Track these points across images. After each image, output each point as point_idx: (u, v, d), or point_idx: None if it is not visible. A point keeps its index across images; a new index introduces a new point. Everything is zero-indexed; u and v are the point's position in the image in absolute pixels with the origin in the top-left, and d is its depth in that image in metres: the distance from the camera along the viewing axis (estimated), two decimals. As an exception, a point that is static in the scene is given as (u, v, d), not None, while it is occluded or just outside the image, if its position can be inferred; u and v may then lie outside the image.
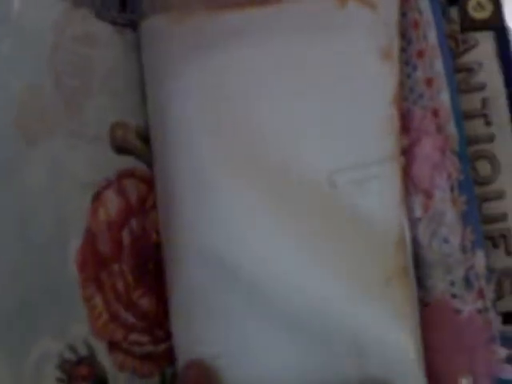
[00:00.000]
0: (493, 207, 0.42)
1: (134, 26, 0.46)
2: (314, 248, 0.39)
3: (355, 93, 0.40)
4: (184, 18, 0.43)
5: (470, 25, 0.43)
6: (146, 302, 0.45)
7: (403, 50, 0.41)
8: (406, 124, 0.40)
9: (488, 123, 0.43)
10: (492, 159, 0.42)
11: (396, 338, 0.37)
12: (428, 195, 0.40)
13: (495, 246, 0.42)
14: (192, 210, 0.42)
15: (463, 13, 0.43)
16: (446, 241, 0.40)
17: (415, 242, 0.40)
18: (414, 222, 0.40)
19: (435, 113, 0.40)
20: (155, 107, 0.44)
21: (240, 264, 0.40)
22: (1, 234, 0.37)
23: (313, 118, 0.41)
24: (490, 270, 0.41)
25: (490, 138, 0.42)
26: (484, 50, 0.43)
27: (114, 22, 0.46)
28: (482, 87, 0.43)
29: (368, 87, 0.40)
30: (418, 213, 0.40)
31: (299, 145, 0.40)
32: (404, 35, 0.41)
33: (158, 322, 0.45)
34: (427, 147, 0.40)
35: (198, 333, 0.42)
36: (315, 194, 0.40)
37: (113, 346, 0.43)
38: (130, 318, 0.44)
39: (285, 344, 0.40)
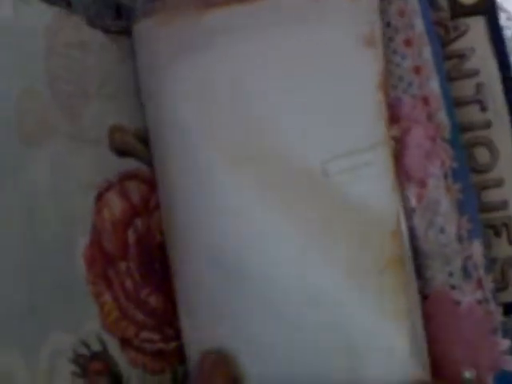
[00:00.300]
0: (492, 195, 0.41)
1: (128, 32, 0.47)
2: (311, 237, 0.39)
3: (341, 81, 0.40)
4: (173, 19, 0.44)
5: (460, 11, 0.42)
6: (154, 301, 0.45)
7: (391, 39, 0.41)
8: (396, 113, 0.40)
9: (484, 109, 0.41)
10: (490, 146, 0.41)
11: (388, 327, 0.36)
12: (421, 184, 0.39)
13: (497, 234, 0.40)
14: (191, 210, 0.42)
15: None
16: (442, 231, 0.38)
17: (411, 233, 0.39)
18: (409, 213, 0.39)
19: (425, 101, 0.39)
20: (150, 108, 0.44)
21: (241, 257, 0.40)
22: (9, 233, 0.38)
23: (302, 108, 0.40)
24: (491, 259, 0.40)
25: (487, 124, 0.41)
26: (475, 35, 0.42)
27: (106, 30, 0.46)
28: (475, 73, 0.42)
29: (353, 75, 0.40)
30: (413, 203, 0.39)
31: (291, 135, 0.40)
32: (390, 24, 0.41)
33: (168, 320, 0.45)
34: (418, 136, 0.39)
35: (206, 330, 0.42)
36: (310, 183, 0.39)
37: (125, 342, 0.43)
38: (139, 316, 0.44)
39: (287, 339, 0.39)
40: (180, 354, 0.45)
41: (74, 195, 0.42)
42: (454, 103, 0.41)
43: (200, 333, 0.42)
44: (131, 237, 0.45)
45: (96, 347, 0.41)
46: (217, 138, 0.41)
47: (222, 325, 0.41)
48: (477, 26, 0.42)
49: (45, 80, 0.41)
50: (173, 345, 0.45)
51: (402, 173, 0.39)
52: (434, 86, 0.40)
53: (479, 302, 0.38)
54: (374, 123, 0.38)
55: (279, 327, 0.39)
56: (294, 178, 0.39)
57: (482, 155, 0.41)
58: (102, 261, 0.42)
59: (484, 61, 0.42)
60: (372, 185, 0.38)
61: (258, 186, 0.40)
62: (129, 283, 0.44)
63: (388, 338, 0.36)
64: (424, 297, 0.38)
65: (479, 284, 0.38)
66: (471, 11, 0.42)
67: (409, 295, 0.37)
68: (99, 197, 0.43)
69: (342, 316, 0.37)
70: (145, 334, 0.44)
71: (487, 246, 0.40)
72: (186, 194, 0.42)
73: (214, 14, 0.42)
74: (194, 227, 0.42)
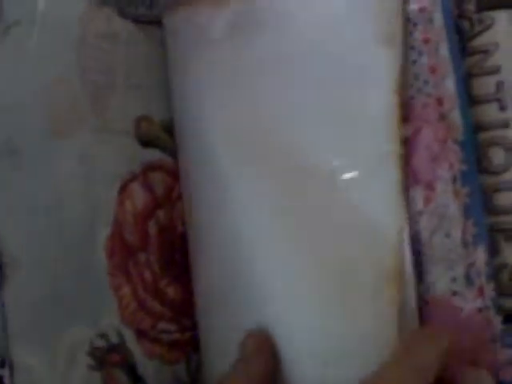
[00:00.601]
0: (504, 198, 0.39)
1: (159, 23, 0.47)
2: (313, 242, 0.39)
3: (356, 82, 0.39)
4: (199, 10, 0.44)
5: (486, 3, 0.40)
6: (172, 292, 0.46)
7: (409, 33, 0.40)
8: (408, 112, 0.39)
9: (502, 108, 0.40)
10: (506, 146, 0.40)
11: (381, 339, 0.37)
12: (430, 187, 0.38)
13: (508, 239, 0.39)
14: (205, 205, 0.43)
15: (478, -10, 0.41)
16: (447, 235, 0.38)
17: (416, 238, 0.38)
18: (414, 216, 0.38)
19: (439, 101, 0.38)
20: (175, 99, 0.45)
21: (249, 260, 0.41)
22: (37, 221, 0.40)
23: (317, 109, 0.40)
24: (501, 264, 0.39)
25: (505, 124, 0.40)
26: (501, 30, 0.40)
27: (137, 20, 0.47)
28: (496, 70, 0.40)
29: (371, 75, 0.39)
30: (420, 206, 0.38)
31: (305, 136, 0.40)
32: (410, 19, 0.40)
33: (185, 310, 0.46)
34: (428, 137, 0.38)
35: (218, 324, 0.43)
36: (320, 187, 0.39)
37: (140, 334, 0.44)
38: (157, 307, 0.45)
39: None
40: (194, 343, 0.46)
41: (99, 186, 0.43)
42: (473, 101, 0.40)
43: (212, 326, 0.43)
44: (152, 228, 0.46)
45: (114, 339, 0.43)
46: (232, 135, 0.41)
47: (231, 318, 0.42)
48: (502, 20, 0.40)
49: (76, 70, 0.43)
50: (188, 334, 0.46)
51: (410, 174, 0.38)
52: (450, 85, 0.38)
53: (480, 310, 0.37)
54: (391, 126, 0.38)
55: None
56: (306, 182, 0.39)
57: (497, 156, 0.40)
58: (122, 252, 0.44)
59: (507, 57, 0.40)
60: (378, 196, 0.38)
61: (270, 187, 0.40)
62: (147, 274, 0.45)
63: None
64: (425, 302, 0.38)
65: (481, 291, 0.37)
66: (497, 4, 0.40)
67: (406, 308, 0.37)
68: (123, 188, 0.45)
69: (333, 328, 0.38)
70: (162, 325, 0.45)
71: (496, 250, 0.40)
72: (201, 189, 0.43)
73: (235, 7, 0.42)
74: (208, 223, 0.43)
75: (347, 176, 0.39)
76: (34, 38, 0.41)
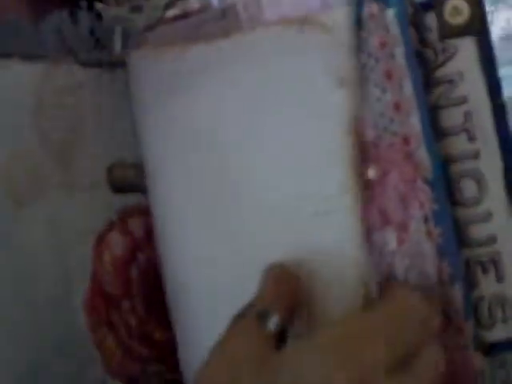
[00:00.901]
0: (480, 230, 0.39)
1: (123, 64, 0.47)
2: None
3: (314, 121, 0.39)
4: (160, 53, 0.43)
5: (449, 31, 0.40)
6: (159, 333, 0.46)
7: (371, 70, 0.39)
8: (376, 153, 0.38)
9: (471, 139, 0.39)
10: (478, 178, 0.39)
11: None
12: (402, 228, 0.38)
13: (485, 271, 0.39)
14: (170, 247, 0.43)
15: (440, 19, 0.40)
16: (422, 273, 0.38)
17: (391, 275, 0.38)
18: (388, 256, 0.38)
19: (406, 140, 0.38)
20: (139, 142, 0.45)
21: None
22: (3, 295, 0.40)
23: (278, 148, 0.40)
24: (478, 297, 0.39)
25: (475, 155, 0.39)
26: (465, 58, 0.39)
27: (99, 64, 0.46)
28: (463, 100, 0.39)
29: (325, 115, 0.38)
30: (393, 246, 0.38)
31: (267, 175, 0.40)
32: (371, 55, 0.39)
33: (173, 349, 0.46)
34: (395, 178, 0.38)
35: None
36: (281, 223, 0.39)
37: (131, 381, 0.45)
38: (144, 351, 0.45)
39: None
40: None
41: (71, 245, 0.43)
42: (441, 133, 0.40)
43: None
44: (134, 273, 0.45)
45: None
46: (191, 183, 0.41)
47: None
48: (466, 48, 0.39)
49: (35, 136, 0.42)
50: (180, 372, 0.45)
51: (379, 215, 0.38)
52: (415, 122, 0.38)
53: (459, 348, 0.37)
54: (343, 168, 0.37)
55: None
56: (270, 221, 0.39)
57: (469, 188, 0.39)
58: (103, 305, 0.44)
59: (473, 86, 0.39)
60: (339, 232, 0.38)
61: (231, 231, 0.40)
62: (132, 320, 0.45)
63: None
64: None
65: (460, 330, 0.37)
66: (461, 32, 0.39)
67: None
68: (99, 240, 0.44)
69: None
70: (152, 368, 0.45)
71: (473, 283, 0.39)
72: (163, 237, 0.43)
73: (194, 51, 0.41)
74: (171, 264, 0.43)
75: (305, 213, 0.39)
76: None
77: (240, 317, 0.35)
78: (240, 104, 0.40)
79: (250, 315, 0.35)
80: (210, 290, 0.42)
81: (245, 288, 0.38)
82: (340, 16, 0.38)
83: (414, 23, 0.39)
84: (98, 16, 0.51)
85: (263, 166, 0.40)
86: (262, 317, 0.35)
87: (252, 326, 0.34)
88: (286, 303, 0.36)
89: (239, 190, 0.40)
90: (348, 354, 0.33)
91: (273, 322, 0.34)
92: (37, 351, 0.40)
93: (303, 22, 0.39)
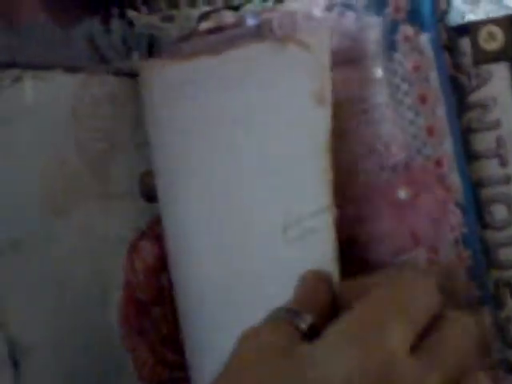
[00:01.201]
0: (509, 253, 0.40)
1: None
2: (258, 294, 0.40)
3: (291, 140, 0.39)
4: (163, 67, 0.44)
5: (483, 57, 0.40)
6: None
7: (405, 93, 0.40)
8: (407, 175, 0.39)
9: (503, 164, 0.40)
10: (508, 202, 0.40)
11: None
12: (432, 250, 0.39)
13: (513, 293, 0.40)
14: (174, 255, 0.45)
15: (475, 44, 0.40)
16: (451, 295, 0.38)
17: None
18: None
19: (438, 163, 0.39)
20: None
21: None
22: (43, 301, 0.41)
23: (256, 167, 0.41)
24: (506, 318, 0.40)
25: (506, 180, 0.40)
26: (498, 83, 0.40)
27: (132, 74, 0.47)
28: (496, 125, 0.40)
29: (303, 134, 0.39)
30: (423, 267, 0.39)
31: (251, 196, 0.41)
32: (405, 78, 0.40)
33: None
34: (428, 201, 0.38)
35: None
36: (271, 249, 0.40)
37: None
38: (174, 357, 0.46)
39: None
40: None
41: (106, 253, 0.44)
42: (473, 156, 0.40)
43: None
44: (165, 280, 0.46)
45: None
46: (189, 192, 0.42)
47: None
48: (500, 74, 0.40)
49: (71, 146, 0.43)
50: None
51: (410, 236, 0.39)
52: (447, 145, 0.39)
53: (486, 369, 0.38)
54: (318, 188, 0.38)
55: None
56: (256, 242, 0.41)
57: (499, 212, 0.40)
58: (135, 313, 0.45)
59: (506, 111, 0.40)
60: (315, 253, 0.38)
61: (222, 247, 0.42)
62: (164, 328, 0.46)
63: None
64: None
65: (487, 350, 0.38)
66: (495, 57, 0.40)
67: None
68: (131, 248, 0.45)
69: None
70: (177, 374, 0.46)
71: (501, 304, 0.40)
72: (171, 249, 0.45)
73: (184, 66, 0.43)
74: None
75: (283, 231, 0.39)
76: (26, 129, 0.42)
77: (272, 318, 0.35)
78: (229, 117, 0.41)
79: (283, 315, 0.35)
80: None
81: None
82: (323, 37, 0.39)
83: (448, 48, 0.40)
84: (130, 24, 0.52)
85: (248, 181, 0.41)
86: (295, 316, 0.35)
87: (285, 324, 0.34)
88: (318, 305, 0.36)
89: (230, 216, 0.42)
90: (365, 343, 0.31)
91: (305, 321, 0.34)
92: (75, 359, 0.41)
93: (288, 40, 0.40)
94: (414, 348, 0.32)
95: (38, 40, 0.45)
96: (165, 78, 0.43)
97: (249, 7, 0.47)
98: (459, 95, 0.40)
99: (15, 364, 0.39)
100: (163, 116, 0.43)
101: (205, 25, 0.49)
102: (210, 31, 0.48)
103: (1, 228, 0.39)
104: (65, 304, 0.41)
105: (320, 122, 0.38)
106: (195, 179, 0.42)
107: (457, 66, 0.41)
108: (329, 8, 0.42)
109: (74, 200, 0.43)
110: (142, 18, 0.52)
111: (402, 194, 0.39)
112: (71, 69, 0.43)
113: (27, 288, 0.40)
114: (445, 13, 0.41)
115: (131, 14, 0.51)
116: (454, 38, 0.40)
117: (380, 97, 0.40)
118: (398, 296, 0.33)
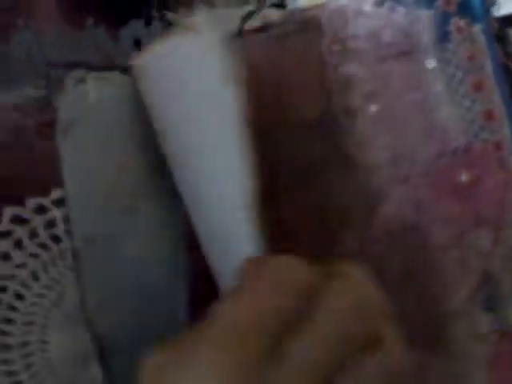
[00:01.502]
0: None
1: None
2: None
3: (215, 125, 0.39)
4: None
5: (529, 45, 0.42)
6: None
7: (461, 81, 0.42)
8: (467, 158, 0.41)
9: (556, 145, 0.42)
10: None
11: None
12: (497, 230, 0.41)
13: None
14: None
15: (522, 33, 0.42)
16: (516, 275, 0.40)
17: (487, 276, 0.41)
18: (482, 256, 0.41)
19: (498, 146, 0.41)
20: None
21: None
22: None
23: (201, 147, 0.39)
24: None
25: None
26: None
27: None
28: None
29: (220, 116, 0.38)
30: (488, 247, 0.41)
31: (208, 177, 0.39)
32: (459, 67, 0.41)
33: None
34: (489, 183, 0.40)
35: None
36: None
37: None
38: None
39: None
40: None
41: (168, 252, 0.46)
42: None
43: None
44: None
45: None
46: None
47: None
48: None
49: (132, 146, 0.45)
50: None
51: (474, 217, 0.41)
52: (506, 130, 0.41)
53: None
54: (240, 168, 0.37)
55: None
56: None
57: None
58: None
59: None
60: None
61: None
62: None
63: None
64: (501, 335, 0.41)
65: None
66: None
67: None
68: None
69: None
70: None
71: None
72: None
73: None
74: None
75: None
76: (92, 130, 0.43)
77: None
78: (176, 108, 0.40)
79: None
80: None
81: None
82: (204, 15, 0.39)
83: (498, 38, 0.42)
84: (170, 25, 0.53)
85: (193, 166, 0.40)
86: None
87: None
88: None
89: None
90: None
91: None
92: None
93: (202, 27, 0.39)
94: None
95: (96, 41, 0.46)
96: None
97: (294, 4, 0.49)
98: (510, 82, 0.42)
99: (103, 362, 0.40)
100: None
101: (250, 24, 0.51)
102: (257, 30, 0.50)
103: (77, 226, 0.41)
104: (142, 304, 0.43)
105: (229, 100, 0.37)
106: None
107: (507, 55, 0.43)
108: (379, 3, 0.44)
109: (141, 198, 0.44)
110: (181, 20, 0.53)
111: (463, 177, 0.40)
112: (125, 69, 0.45)
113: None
114: (493, 4, 0.43)
115: (170, 15, 0.53)
116: (504, 29, 0.42)
117: (435, 86, 0.42)
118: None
